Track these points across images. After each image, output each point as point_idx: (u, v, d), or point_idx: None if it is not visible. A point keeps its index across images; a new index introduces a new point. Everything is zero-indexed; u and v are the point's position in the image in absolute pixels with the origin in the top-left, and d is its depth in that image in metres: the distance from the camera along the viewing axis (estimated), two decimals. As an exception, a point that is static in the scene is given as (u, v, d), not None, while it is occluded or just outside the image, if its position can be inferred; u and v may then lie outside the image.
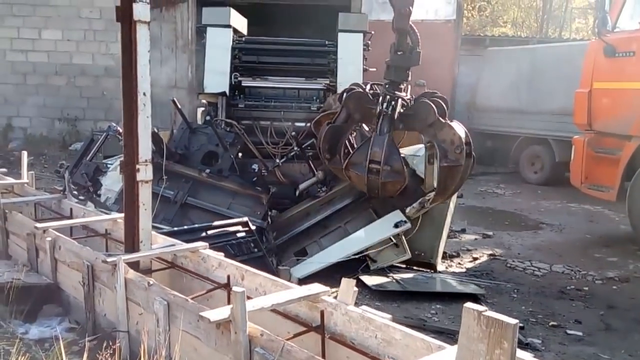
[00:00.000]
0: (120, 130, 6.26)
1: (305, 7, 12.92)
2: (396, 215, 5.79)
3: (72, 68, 14.59)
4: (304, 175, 6.62)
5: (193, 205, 6.01)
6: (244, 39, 7.98)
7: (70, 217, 5.23)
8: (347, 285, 3.00)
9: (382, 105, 5.15)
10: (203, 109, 7.43)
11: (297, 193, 6.35)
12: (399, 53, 5.07)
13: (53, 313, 4.12)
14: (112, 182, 6.24)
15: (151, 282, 3.31)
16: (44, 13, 14.33)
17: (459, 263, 6.45)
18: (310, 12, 12.68)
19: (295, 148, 6.59)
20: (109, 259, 3.54)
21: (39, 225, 4.42)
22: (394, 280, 5.49)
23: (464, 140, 5.03)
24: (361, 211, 6.06)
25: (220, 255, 3.89)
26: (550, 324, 4.77)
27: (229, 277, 3.61)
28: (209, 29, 7.50)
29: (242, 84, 7.40)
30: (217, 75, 7.31)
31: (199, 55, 7.98)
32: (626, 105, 7.22)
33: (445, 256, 6.50)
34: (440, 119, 5.03)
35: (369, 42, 7.40)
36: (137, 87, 3.59)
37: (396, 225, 5.70)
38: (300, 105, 7.27)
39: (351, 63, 7.21)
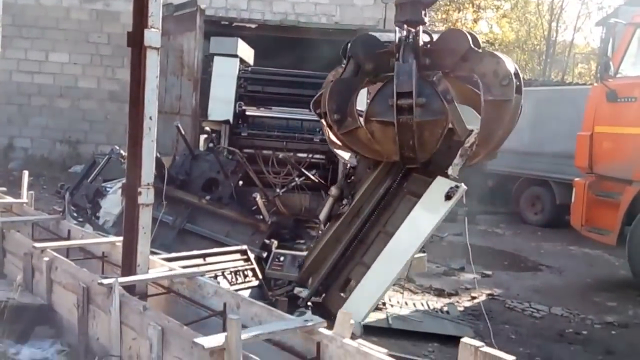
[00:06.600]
0: (123, 154, 6.31)
1: (311, 40, 13.10)
2: (442, 183, 4.35)
3: (77, 91, 14.68)
4: (304, 206, 6.58)
5: (191, 231, 5.99)
6: (249, 68, 8.08)
7: (68, 239, 5.19)
8: (344, 317, 2.96)
9: (398, 39, 4.19)
10: (206, 136, 7.48)
11: (322, 226, 5.41)
12: None
13: (45, 335, 4.05)
14: (111, 205, 6.24)
15: (146, 307, 3.27)
16: (52, 36, 14.48)
17: (457, 302, 6.38)
18: (316, 45, 12.86)
19: (297, 179, 6.59)
20: (105, 281, 3.50)
21: (37, 245, 4.39)
22: (386, 317, 5.37)
23: (512, 71, 4.11)
24: (396, 202, 4.71)
25: (216, 283, 3.86)
26: (549, 367, 4.70)
27: (225, 305, 3.56)
28: (216, 58, 7.60)
29: (246, 113, 7.46)
30: (222, 104, 7.38)
31: (204, 83, 8.05)
32: (627, 150, 7.25)
33: (443, 294, 6.44)
34: (476, 48, 4.19)
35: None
36: (144, 111, 3.60)
37: (448, 196, 4.26)
38: (302, 136, 7.31)
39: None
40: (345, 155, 5.57)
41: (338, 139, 4.94)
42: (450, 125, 4.24)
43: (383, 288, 4.26)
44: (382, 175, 4.84)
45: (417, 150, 4.20)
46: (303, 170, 6.18)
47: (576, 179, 8.17)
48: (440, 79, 4.16)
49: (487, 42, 27.72)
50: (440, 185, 4.34)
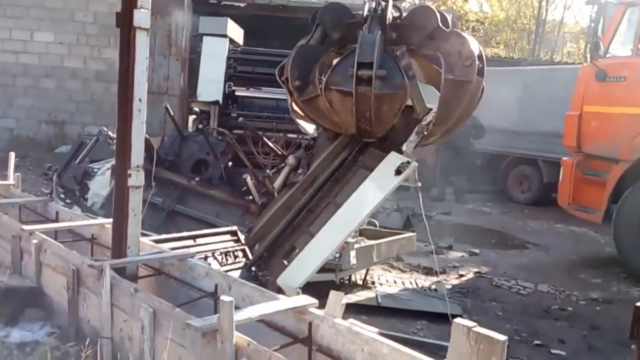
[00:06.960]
0: (112, 135, 6.26)
1: (302, 20, 13.01)
2: (394, 159, 4.39)
3: (63, 71, 14.49)
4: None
5: (181, 212, 5.97)
6: (239, 49, 8.03)
7: (56, 221, 5.16)
8: (335, 297, 2.98)
9: (367, 10, 4.18)
10: (195, 116, 7.44)
11: (275, 194, 5.30)
12: None
13: (35, 317, 4.04)
14: (99, 186, 6.20)
15: (137, 289, 3.28)
16: (37, 15, 14.25)
17: (445, 280, 6.45)
18: (306, 25, 12.79)
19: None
20: (96, 263, 3.50)
21: (25, 227, 4.36)
22: (375, 296, 5.44)
23: (476, 53, 4.14)
24: (350, 175, 4.71)
25: (207, 264, 3.87)
26: (535, 342, 4.79)
27: (216, 286, 3.58)
28: (205, 38, 7.54)
29: (236, 94, 7.42)
30: (211, 84, 7.34)
31: (192, 63, 7.99)
32: (615, 129, 7.30)
33: (432, 273, 6.51)
34: (443, 27, 4.19)
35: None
36: (133, 92, 3.56)
37: (398, 171, 4.28)
38: (292, 117, 7.27)
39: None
40: (308, 127, 5.54)
41: (298, 107, 4.92)
42: (409, 102, 4.22)
43: (323, 257, 4.31)
44: (340, 148, 4.83)
45: (374, 123, 4.17)
46: (265, 139, 5.98)
47: (564, 158, 8.24)
48: (403, 53, 4.13)
49: (477, 21, 27.66)
50: (392, 160, 4.37)
